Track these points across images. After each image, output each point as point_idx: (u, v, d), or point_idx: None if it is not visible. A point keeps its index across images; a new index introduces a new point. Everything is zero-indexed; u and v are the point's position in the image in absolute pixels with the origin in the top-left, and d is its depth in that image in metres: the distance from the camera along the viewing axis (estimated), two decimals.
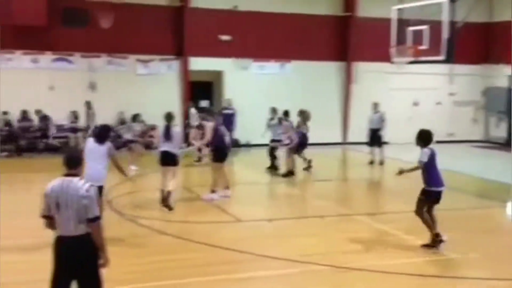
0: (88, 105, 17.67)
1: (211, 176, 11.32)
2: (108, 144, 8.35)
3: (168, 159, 10.28)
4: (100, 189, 7.70)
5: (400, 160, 13.44)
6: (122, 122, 18.74)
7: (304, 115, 14.71)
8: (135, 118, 16.87)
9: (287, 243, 8.54)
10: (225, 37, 19.78)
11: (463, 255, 8.04)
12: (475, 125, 23.12)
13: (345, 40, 21.09)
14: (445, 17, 14.88)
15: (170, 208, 10.13)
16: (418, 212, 8.36)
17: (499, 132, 22.50)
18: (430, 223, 8.33)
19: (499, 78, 22.20)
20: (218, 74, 20.31)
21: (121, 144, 15.65)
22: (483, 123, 23.18)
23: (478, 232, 9.43)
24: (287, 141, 13.91)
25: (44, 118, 17.88)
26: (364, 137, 16.82)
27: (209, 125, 11.33)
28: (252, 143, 20.02)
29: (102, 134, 8.44)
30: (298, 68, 20.73)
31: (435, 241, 8.24)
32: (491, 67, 22.46)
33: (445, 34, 14.92)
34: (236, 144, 18.64)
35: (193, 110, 18.00)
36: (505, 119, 22.26)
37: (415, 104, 21.95)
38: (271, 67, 20.68)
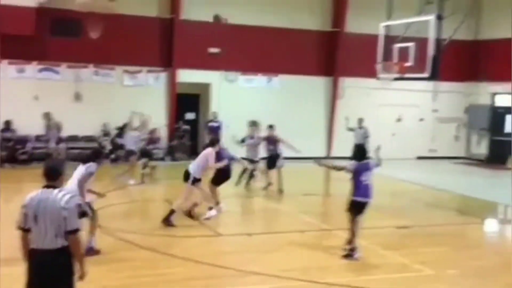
0: (47, 116, 17.63)
1: (202, 194, 10.98)
2: (88, 165, 8.19)
3: (185, 176, 10.44)
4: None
5: (381, 175, 13.56)
6: (106, 133, 18.79)
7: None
8: (125, 127, 17.02)
9: (267, 258, 8.60)
10: (213, 50, 19.90)
11: (442, 271, 8.14)
12: (457, 142, 23.40)
13: (332, 56, 21.30)
14: (431, 35, 15.08)
15: (170, 225, 10.05)
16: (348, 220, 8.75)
17: (480, 149, 22.80)
18: (353, 233, 8.61)
19: (482, 95, 22.55)
20: (205, 87, 20.41)
21: (125, 155, 16.11)
22: (465, 140, 23.47)
23: (457, 248, 9.59)
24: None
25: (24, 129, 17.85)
26: (348, 151, 16.96)
27: (209, 151, 10.82)
28: (238, 156, 20.09)
29: (89, 155, 8.46)
30: (285, 82, 20.90)
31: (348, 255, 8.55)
32: (475, 85, 22.80)
33: (430, 51, 15.12)
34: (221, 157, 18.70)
35: None
36: (486, 137, 22.59)
37: (399, 120, 22.20)
38: (259, 80, 20.83)
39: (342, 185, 12.57)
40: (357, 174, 8.61)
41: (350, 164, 8.78)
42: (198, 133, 20.68)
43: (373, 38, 17.22)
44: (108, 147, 18.69)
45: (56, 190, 4.79)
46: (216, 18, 19.82)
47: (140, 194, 13.75)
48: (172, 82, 19.65)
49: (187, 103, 20.43)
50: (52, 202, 4.70)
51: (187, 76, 19.59)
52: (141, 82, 19.43)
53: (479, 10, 22.01)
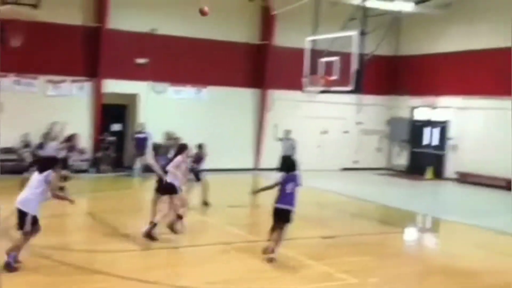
0: None
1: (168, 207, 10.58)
2: (47, 173, 8.13)
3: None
4: (24, 214, 7.83)
5: (308, 186, 13.83)
6: (26, 144, 18.07)
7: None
8: (46, 137, 16.31)
9: (194, 271, 8.54)
10: (141, 60, 19.64)
11: (364, 279, 8.38)
12: (379, 153, 24.26)
13: (261, 68, 21.56)
14: (354, 50, 15.59)
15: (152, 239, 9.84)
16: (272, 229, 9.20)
17: (401, 160, 23.76)
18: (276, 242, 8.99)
19: (403, 109, 23.55)
20: (133, 97, 20.08)
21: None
22: (387, 152, 24.38)
23: (378, 257, 9.89)
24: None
25: None
26: (275, 163, 17.20)
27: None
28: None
29: (45, 164, 8.40)
30: (214, 94, 20.93)
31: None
32: (396, 98, 23.78)
33: (354, 65, 15.63)
34: (150, 169, 18.42)
35: None
36: (406, 148, 23.58)
37: (324, 132, 22.75)
38: (187, 92, 20.75)
39: (268, 196, 12.76)
40: (283, 184, 8.90)
41: (280, 176, 9.06)
42: (124, 145, 20.29)
43: (300, 51, 17.63)
44: (29, 159, 17.97)
45: None
46: (153, 31, 19.66)
47: (60, 208, 13.27)
48: (97, 92, 19.20)
49: (113, 114, 20.02)
50: None
51: (114, 86, 19.21)
52: (65, 92, 18.87)
53: (398, 27, 23.04)
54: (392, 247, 10.96)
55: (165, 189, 10.29)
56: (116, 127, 19.44)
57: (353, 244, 10.89)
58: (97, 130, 19.17)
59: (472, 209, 15.56)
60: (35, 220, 7.95)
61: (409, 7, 19.87)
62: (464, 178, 20.68)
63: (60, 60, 18.48)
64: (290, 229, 11.48)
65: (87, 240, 10.27)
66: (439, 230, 13.80)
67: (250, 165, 21.46)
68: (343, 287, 8.17)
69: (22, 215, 7.89)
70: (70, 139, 14.40)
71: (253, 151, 21.86)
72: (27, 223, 7.84)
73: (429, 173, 21.86)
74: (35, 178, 8.16)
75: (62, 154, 14.28)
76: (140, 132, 18.60)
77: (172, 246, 9.83)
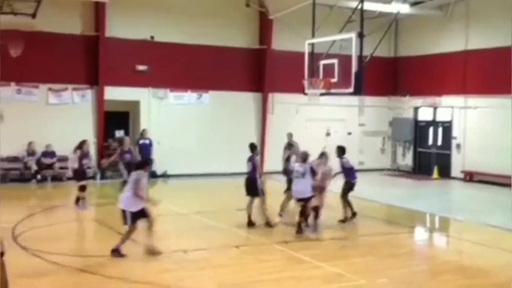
0: None
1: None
2: (136, 173, 9.31)
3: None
4: (124, 212, 9.16)
5: None
6: (30, 153, 18.08)
7: None
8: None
9: (201, 275, 8.52)
10: (141, 67, 19.69)
11: (373, 280, 8.34)
12: (383, 154, 24.26)
13: (261, 72, 21.58)
14: (353, 52, 15.57)
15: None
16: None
17: (406, 160, 23.75)
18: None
19: (406, 109, 23.52)
20: (134, 104, 20.11)
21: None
22: (391, 152, 24.37)
23: (386, 257, 9.85)
24: None
25: None
26: (279, 166, 17.15)
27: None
28: (169, 173, 19.90)
29: (136, 166, 9.70)
30: (215, 99, 20.93)
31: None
32: (398, 99, 23.75)
33: (354, 67, 15.60)
34: (153, 175, 18.44)
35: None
36: (410, 149, 23.56)
37: (328, 134, 22.73)
38: (189, 97, 20.75)
39: (275, 199, 12.72)
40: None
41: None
42: None
43: (300, 55, 17.60)
44: (34, 167, 17.99)
45: None
46: (152, 38, 19.75)
47: (67, 215, 13.26)
48: (99, 99, 19.22)
49: (116, 121, 20.02)
50: None
51: (115, 93, 19.25)
52: (67, 100, 18.91)
53: (397, 29, 23.06)
54: (400, 247, 10.89)
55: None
56: (119, 133, 19.41)
57: (362, 245, 10.88)
58: (101, 137, 19.17)
59: (480, 207, 15.50)
60: (134, 216, 9.07)
61: (406, 9, 19.90)
62: (470, 177, 20.66)
63: (60, 69, 18.54)
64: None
65: (96, 245, 10.25)
66: (447, 229, 13.75)
67: None
68: (354, 287, 8.12)
69: (123, 212, 9.15)
70: (81, 146, 13.71)
71: None
72: (127, 219, 9.06)
73: (435, 172, 21.85)
74: (130, 179, 9.34)
75: (76, 163, 13.67)
76: (143, 138, 18.60)
77: (181, 250, 9.78)
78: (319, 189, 11.47)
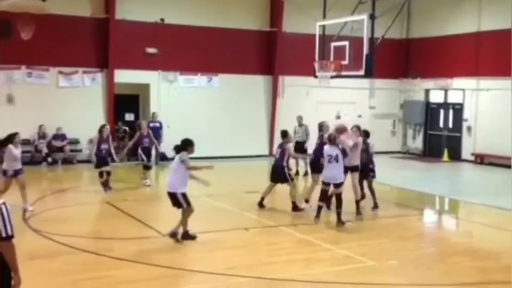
0: None
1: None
2: (180, 154, 9.11)
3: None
4: (174, 195, 9.03)
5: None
6: (41, 136, 18.19)
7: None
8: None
9: (212, 257, 8.57)
10: (151, 50, 19.65)
11: (383, 262, 8.36)
12: (393, 137, 24.15)
13: (271, 55, 21.46)
14: (364, 34, 15.42)
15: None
16: None
17: (416, 143, 23.63)
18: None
19: (417, 92, 23.34)
20: (144, 87, 20.11)
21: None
22: (401, 135, 24.24)
23: (397, 239, 9.85)
24: None
25: None
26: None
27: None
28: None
29: (180, 147, 9.29)
30: (225, 82, 20.88)
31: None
32: (409, 82, 23.56)
33: (365, 50, 15.46)
34: (163, 157, 18.51)
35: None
36: (421, 131, 23.43)
37: (338, 117, 22.61)
38: (199, 80, 20.71)
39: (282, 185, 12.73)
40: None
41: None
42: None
43: (310, 37, 17.48)
44: (45, 150, 18.12)
45: None
46: (162, 20, 19.67)
47: (78, 198, 13.38)
48: (109, 82, 19.25)
49: (126, 104, 20.07)
50: None
51: (125, 76, 19.24)
52: (77, 83, 18.95)
53: (408, 10, 22.77)
54: (410, 230, 10.89)
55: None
56: (129, 116, 19.48)
57: (371, 228, 10.87)
58: (111, 120, 19.24)
59: (490, 190, 15.42)
60: (185, 197, 8.92)
61: None
62: (481, 159, 20.55)
63: (71, 52, 18.54)
64: (306, 214, 11.59)
65: (107, 228, 10.33)
66: (457, 212, 13.71)
67: (263, 151, 21.42)
68: (363, 269, 8.13)
69: (174, 196, 8.96)
70: (101, 130, 13.46)
71: (267, 137, 21.81)
72: (180, 201, 8.90)
73: (445, 155, 21.74)
74: (174, 161, 9.11)
75: (95, 148, 13.53)
76: (153, 121, 18.65)
77: (192, 232, 9.83)
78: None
